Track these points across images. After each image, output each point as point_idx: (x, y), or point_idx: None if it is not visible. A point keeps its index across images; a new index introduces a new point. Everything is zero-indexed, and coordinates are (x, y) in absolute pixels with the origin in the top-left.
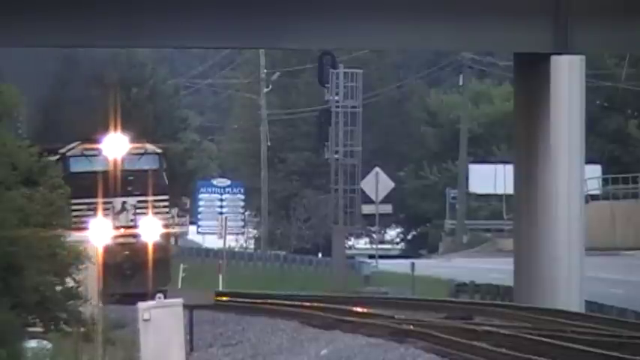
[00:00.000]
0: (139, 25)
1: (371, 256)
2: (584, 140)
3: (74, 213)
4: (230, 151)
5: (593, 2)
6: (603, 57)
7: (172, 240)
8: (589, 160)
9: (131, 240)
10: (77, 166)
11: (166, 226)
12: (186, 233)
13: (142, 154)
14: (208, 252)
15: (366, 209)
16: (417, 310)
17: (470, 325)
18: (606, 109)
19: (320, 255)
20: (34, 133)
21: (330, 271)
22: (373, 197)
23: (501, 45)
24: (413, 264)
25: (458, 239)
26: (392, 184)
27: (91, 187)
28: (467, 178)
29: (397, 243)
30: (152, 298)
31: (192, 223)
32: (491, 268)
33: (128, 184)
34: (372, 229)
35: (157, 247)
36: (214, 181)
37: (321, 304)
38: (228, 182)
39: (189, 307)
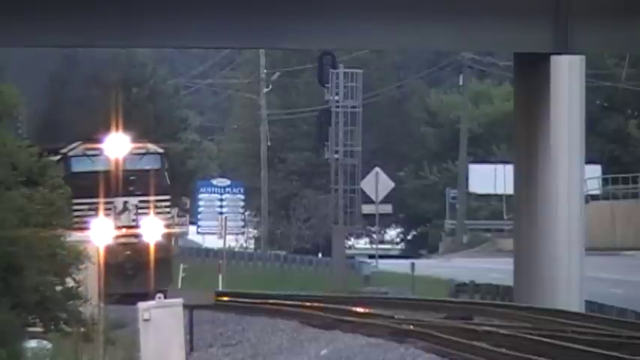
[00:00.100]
0: (139, 25)
1: (371, 256)
2: (584, 140)
3: (76, 213)
4: (230, 151)
5: (593, 2)
6: (603, 57)
7: (173, 240)
8: (589, 160)
9: (133, 240)
10: (79, 166)
11: (168, 226)
12: (186, 233)
13: (144, 154)
14: (208, 252)
15: (366, 209)
16: (417, 310)
17: (470, 325)
18: (606, 109)
19: (320, 255)
20: (34, 133)
21: (330, 271)
22: (373, 197)
23: (501, 45)
24: (413, 264)
25: (458, 239)
26: (392, 184)
27: (93, 187)
28: (467, 178)
29: (397, 243)
30: (152, 298)
31: (192, 223)
32: (491, 268)
33: (130, 184)
34: (372, 229)
35: (159, 247)
36: (214, 181)
37: (321, 304)
38: (228, 182)
39: (189, 307)
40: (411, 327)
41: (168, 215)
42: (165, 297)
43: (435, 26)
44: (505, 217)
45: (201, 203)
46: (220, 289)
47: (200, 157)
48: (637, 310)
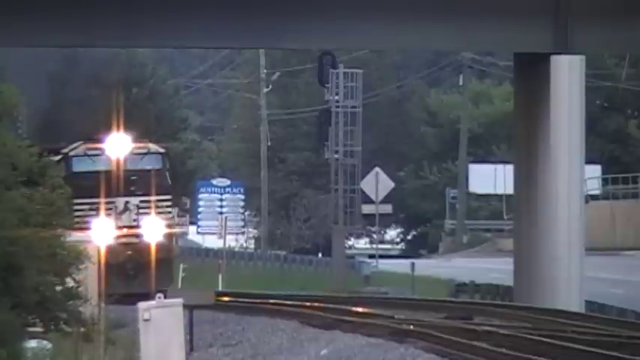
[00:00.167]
0: (139, 25)
1: (371, 256)
2: (584, 140)
3: (77, 213)
4: (230, 151)
5: (593, 2)
6: (603, 57)
7: (174, 240)
8: (589, 160)
9: (134, 240)
10: (80, 166)
11: (169, 226)
12: (186, 233)
13: (145, 153)
14: (208, 252)
15: (366, 209)
16: (417, 310)
17: (470, 325)
18: (606, 109)
19: (320, 255)
20: (34, 133)
21: (330, 271)
22: (373, 197)
23: (501, 45)
24: (413, 264)
25: (458, 239)
26: (392, 184)
27: (94, 186)
28: (467, 178)
29: (397, 243)
30: (152, 298)
31: (192, 223)
32: (491, 268)
33: (131, 183)
34: (372, 229)
35: (160, 247)
36: (214, 181)
37: (321, 304)
38: (228, 182)
39: (189, 307)
40: (411, 327)
41: (170, 215)
42: (165, 297)
43: (435, 26)
44: (505, 217)
45: (201, 203)
46: (220, 289)
47: (200, 157)
48: (637, 310)
